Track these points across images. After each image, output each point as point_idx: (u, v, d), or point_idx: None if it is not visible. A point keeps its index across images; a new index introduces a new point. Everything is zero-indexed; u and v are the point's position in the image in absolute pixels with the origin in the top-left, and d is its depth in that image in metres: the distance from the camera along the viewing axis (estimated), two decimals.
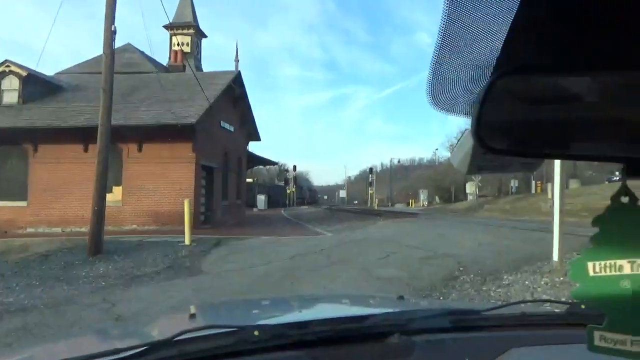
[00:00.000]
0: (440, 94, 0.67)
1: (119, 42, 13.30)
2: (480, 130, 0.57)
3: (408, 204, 66.20)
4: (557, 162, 7.54)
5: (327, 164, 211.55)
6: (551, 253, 7.73)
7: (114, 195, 17.34)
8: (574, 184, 37.33)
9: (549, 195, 23.16)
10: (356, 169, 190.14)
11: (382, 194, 78.60)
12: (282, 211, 39.72)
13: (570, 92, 0.55)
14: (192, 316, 1.69)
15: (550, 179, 17.79)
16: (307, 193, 77.79)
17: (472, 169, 0.82)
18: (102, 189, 11.43)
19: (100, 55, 12.03)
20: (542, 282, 6.74)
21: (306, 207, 57.14)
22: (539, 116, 0.56)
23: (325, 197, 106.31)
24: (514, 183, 48.73)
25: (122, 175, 18.03)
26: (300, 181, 76.98)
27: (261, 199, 44.55)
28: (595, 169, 49.15)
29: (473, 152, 0.75)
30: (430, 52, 0.61)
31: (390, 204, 70.75)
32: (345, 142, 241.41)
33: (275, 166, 57.02)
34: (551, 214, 8.31)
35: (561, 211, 7.71)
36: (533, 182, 44.60)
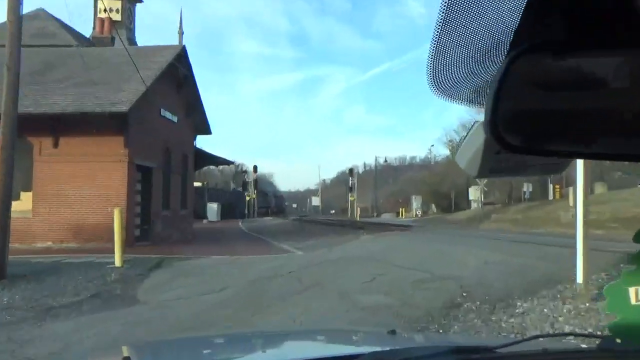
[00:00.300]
0: (444, 76, 0.66)
1: (28, 7, 13.04)
2: (497, 122, 0.57)
3: (398, 213, 66.68)
4: (580, 162, 7.63)
5: (296, 164, 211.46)
6: (574, 274, 7.88)
7: (22, 204, 16.90)
8: (600, 188, 38.30)
9: (570, 203, 23.69)
10: (333, 171, 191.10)
11: (366, 201, 79.03)
12: (240, 223, 39.53)
13: (609, 76, 0.54)
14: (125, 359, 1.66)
15: (572, 182, 18.19)
16: (271, 200, 77.70)
17: (484, 171, 0.81)
18: (7, 196, 11.15)
19: (3, 23, 11.76)
20: (564, 310, 6.85)
21: (270, 217, 57.07)
22: (569, 106, 0.56)
23: (295, 205, 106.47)
24: (527, 187, 49.42)
25: (33, 178, 17.68)
26: (263, 185, 76.79)
27: (213, 207, 44.29)
28: (624, 169, 50.39)
29: (485, 150, 0.75)
30: (424, 24, 0.60)
31: (375, 214, 71.20)
32: (319, 136, 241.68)
33: (231, 166, 56.67)
34: (573, 225, 8.47)
35: (585, 222, 7.86)
36: (550, 186, 45.52)
